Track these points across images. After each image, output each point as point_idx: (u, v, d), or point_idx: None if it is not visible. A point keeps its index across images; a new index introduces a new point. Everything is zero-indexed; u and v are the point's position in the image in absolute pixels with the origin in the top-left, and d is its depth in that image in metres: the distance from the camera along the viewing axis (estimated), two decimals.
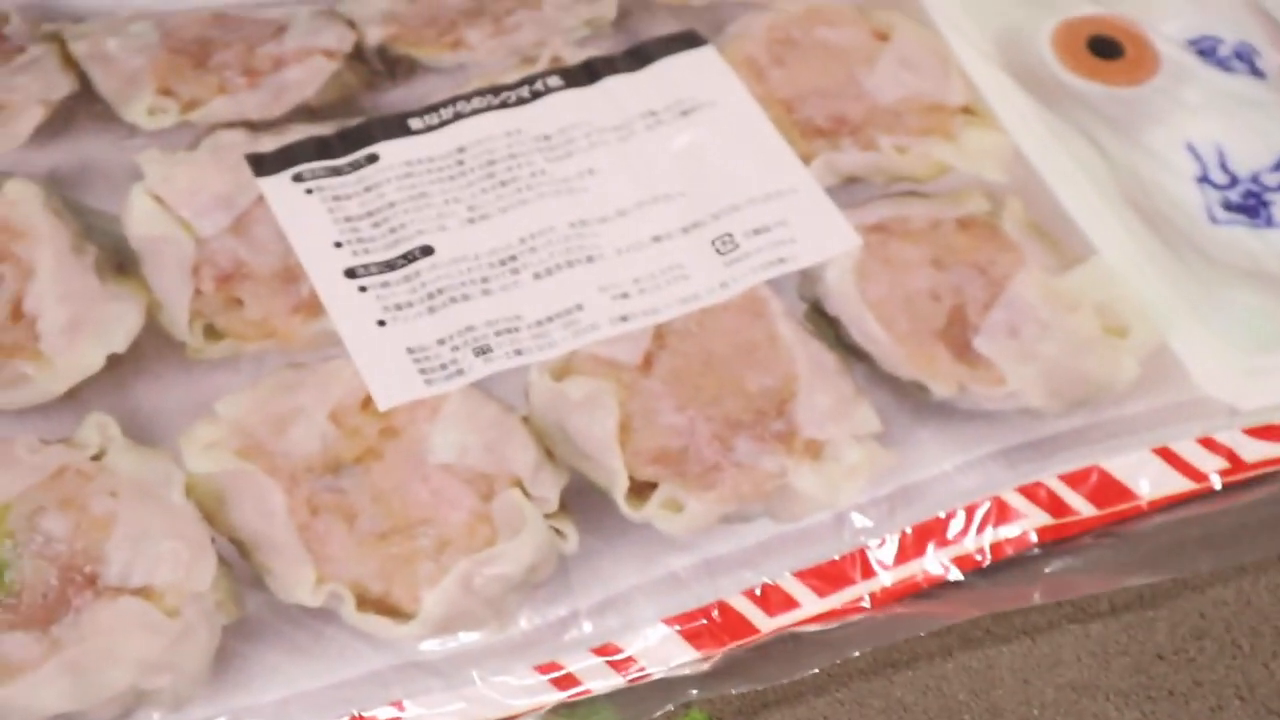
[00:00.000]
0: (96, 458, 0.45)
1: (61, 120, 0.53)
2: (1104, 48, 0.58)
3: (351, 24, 0.56)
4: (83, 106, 0.53)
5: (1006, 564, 0.46)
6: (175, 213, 0.50)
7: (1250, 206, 0.54)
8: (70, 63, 0.54)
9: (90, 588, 0.43)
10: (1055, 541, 0.47)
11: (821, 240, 0.51)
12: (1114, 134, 0.55)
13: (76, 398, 0.46)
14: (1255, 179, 0.55)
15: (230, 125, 0.53)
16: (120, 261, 0.49)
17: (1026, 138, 0.55)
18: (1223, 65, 0.58)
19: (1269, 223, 0.54)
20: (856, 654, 0.44)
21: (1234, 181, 0.55)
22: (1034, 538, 0.46)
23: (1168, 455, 0.48)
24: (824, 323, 0.50)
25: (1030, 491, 0.47)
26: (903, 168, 0.53)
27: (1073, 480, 0.47)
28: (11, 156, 0.51)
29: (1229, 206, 0.54)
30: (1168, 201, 0.54)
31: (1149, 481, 0.48)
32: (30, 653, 0.41)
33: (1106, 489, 0.47)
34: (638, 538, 0.45)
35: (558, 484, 0.46)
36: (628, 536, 0.45)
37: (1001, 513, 0.47)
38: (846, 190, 0.53)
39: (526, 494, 0.45)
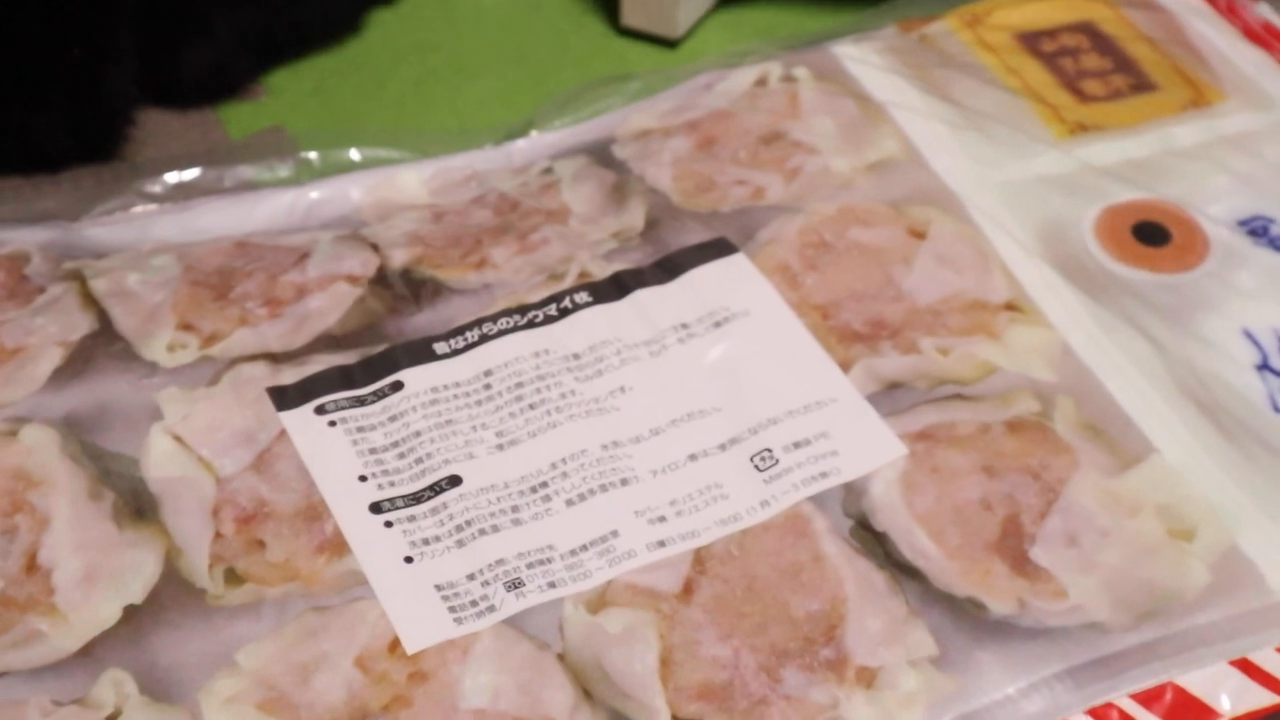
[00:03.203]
0: (112, 718, 0.43)
1: (80, 361, 0.51)
2: (1150, 234, 0.56)
3: (375, 248, 0.56)
4: (101, 346, 0.52)
5: None
6: (195, 452, 0.49)
7: None
8: (90, 300, 0.53)
9: None
10: None
11: (865, 452, 0.49)
12: (1166, 324, 0.53)
13: (91, 653, 0.44)
14: None
15: (251, 358, 0.51)
16: (139, 506, 0.48)
17: (1075, 333, 0.53)
18: (1276, 246, 0.56)
19: None
20: None
21: None
22: None
23: (1247, 667, 0.45)
24: (871, 539, 0.47)
25: (1101, 714, 0.44)
26: (946, 370, 0.51)
27: (1146, 699, 0.44)
28: (29, 401, 0.50)
29: None
30: (1227, 392, 0.52)
31: (1229, 697, 0.45)
32: None
33: (1184, 707, 0.44)
34: None
35: None
36: None
37: None
38: (889, 397, 0.51)
39: None
